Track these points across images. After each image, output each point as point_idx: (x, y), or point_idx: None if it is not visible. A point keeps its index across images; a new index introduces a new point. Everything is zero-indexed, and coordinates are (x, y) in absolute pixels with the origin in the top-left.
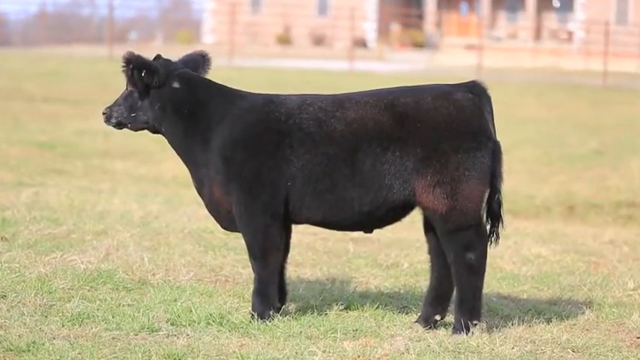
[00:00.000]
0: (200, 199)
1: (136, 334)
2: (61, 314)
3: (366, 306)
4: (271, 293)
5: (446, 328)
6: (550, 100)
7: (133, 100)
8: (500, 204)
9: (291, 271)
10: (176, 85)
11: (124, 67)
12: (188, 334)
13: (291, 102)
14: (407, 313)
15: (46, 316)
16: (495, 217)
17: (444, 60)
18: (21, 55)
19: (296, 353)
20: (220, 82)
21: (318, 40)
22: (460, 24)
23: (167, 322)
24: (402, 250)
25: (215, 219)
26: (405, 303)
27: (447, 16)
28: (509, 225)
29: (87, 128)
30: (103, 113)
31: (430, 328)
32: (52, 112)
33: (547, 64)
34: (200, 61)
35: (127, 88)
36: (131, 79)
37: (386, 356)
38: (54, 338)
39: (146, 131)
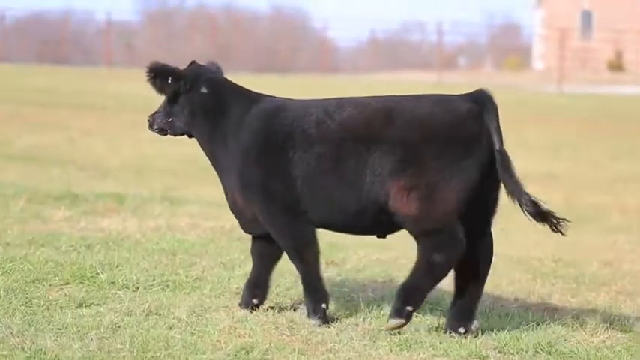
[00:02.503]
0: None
1: None
2: (389, 339)
3: None
4: (320, 287)
5: None
6: None
7: (169, 106)
8: (534, 203)
9: None
10: (204, 89)
11: (147, 75)
12: None
13: (300, 104)
14: None
15: (374, 341)
16: (540, 216)
17: None
18: (351, 82)
19: None
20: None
21: None
22: None
23: (495, 349)
24: None
25: (239, 223)
26: None
27: None
28: None
29: None
30: (148, 120)
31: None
32: None
33: None
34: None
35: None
36: (157, 87)
37: None
38: None
39: None
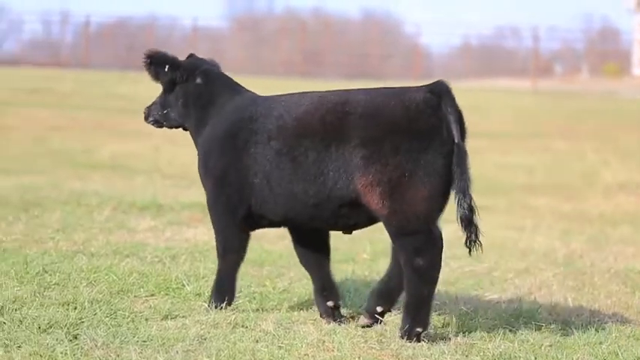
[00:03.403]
0: None
1: None
2: (482, 354)
3: None
4: (228, 288)
5: None
6: None
7: (165, 97)
8: (471, 208)
9: None
10: (199, 80)
11: (144, 62)
12: None
13: (271, 100)
14: None
15: (466, 355)
16: (467, 222)
17: None
18: None
19: None
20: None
21: None
22: None
23: None
24: None
25: None
26: None
27: None
28: None
29: (508, 163)
30: (143, 112)
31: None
32: (473, 146)
33: None
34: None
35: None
36: (153, 74)
37: None
38: None
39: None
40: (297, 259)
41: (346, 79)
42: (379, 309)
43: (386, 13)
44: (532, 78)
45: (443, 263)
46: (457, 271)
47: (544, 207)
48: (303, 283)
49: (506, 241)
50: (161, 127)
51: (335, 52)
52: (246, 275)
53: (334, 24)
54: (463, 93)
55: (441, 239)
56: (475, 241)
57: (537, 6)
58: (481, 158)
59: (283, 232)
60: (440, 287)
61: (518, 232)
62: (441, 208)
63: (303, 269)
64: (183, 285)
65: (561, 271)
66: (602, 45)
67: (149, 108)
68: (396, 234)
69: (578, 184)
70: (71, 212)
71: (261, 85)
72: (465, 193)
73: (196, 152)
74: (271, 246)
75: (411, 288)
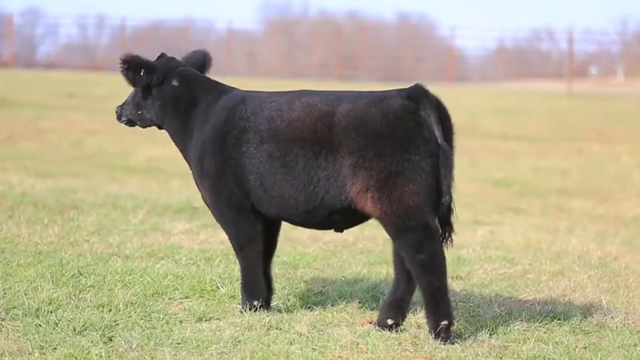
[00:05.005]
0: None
1: None
2: (516, 356)
3: None
4: (256, 285)
5: None
6: None
7: (139, 98)
8: (449, 208)
9: None
10: (175, 83)
11: (121, 67)
12: None
13: (259, 99)
14: None
15: (500, 358)
16: (444, 222)
17: None
18: (478, 91)
19: None
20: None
21: None
22: None
23: None
24: None
25: (214, 217)
26: None
27: None
28: None
29: (543, 166)
30: (115, 112)
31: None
32: (508, 149)
33: None
34: (202, 60)
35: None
36: (130, 79)
37: None
38: None
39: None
40: (330, 262)
41: (380, 82)
42: (390, 321)
43: (421, 16)
44: (567, 81)
45: (477, 266)
46: (491, 273)
47: (578, 209)
48: (337, 286)
49: (541, 243)
50: (134, 125)
51: (369, 55)
52: (280, 278)
53: (369, 27)
54: (498, 96)
55: (436, 232)
56: (448, 239)
57: (573, 9)
58: (516, 161)
59: (317, 234)
60: (474, 289)
61: (553, 234)
62: (433, 202)
63: (336, 272)
64: (218, 287)
65: (596, 273)
66: (638, 48)
67: (121, 107)
68: (394, 234)
69: (613, 186)
70: (106, 215)
71: (296, 89)
72: (448, 194)
73: (177, 151)
74: (305, 248)
75: (422, 284)
